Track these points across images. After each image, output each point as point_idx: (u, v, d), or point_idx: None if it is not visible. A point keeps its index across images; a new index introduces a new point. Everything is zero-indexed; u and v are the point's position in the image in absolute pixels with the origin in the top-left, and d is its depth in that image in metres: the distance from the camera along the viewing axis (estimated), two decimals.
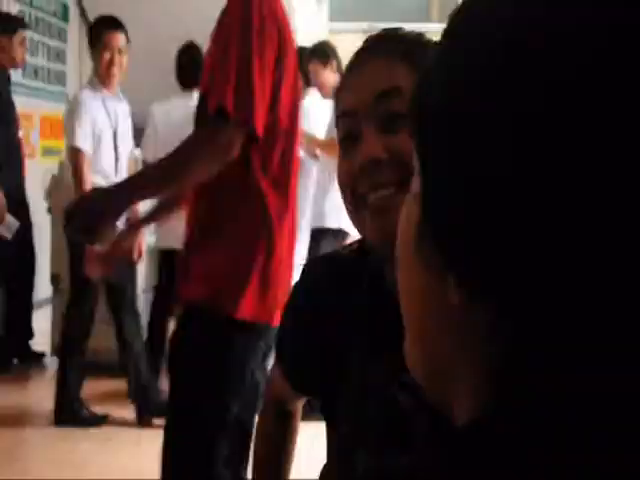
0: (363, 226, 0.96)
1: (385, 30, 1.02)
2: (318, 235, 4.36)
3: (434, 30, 6.10)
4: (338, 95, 1.00)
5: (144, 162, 4.30)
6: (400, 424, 0.91)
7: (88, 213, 1.80)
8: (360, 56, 1.00)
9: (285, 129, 1.94)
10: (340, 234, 4.35)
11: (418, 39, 0.99)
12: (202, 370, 1.90)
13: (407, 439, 0.90)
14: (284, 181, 1.96)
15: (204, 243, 1.92)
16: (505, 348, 0.43)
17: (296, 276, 4.02)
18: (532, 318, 0.42)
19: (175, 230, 3.95)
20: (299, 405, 1.29)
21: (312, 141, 4.49)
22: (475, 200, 0.42)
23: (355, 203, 0.96)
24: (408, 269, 0.48)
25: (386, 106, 0.93)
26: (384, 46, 0.98)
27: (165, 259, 4.28)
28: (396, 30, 1.01)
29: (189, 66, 4.18)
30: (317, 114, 4.62)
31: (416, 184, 0.47)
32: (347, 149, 0.97)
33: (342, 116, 0.98)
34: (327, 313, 1.04)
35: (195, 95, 3.98)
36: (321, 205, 4.36)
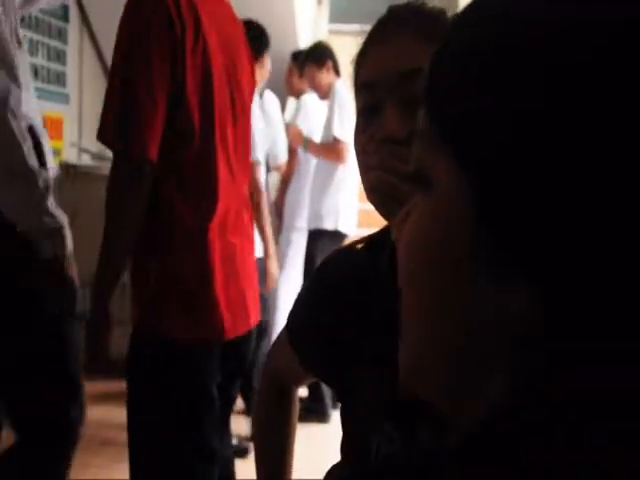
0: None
1: (409, 3, 1.00)
2: (315, 236, 4.37)
3: None
4: (359, 64, 0.99)
5: None
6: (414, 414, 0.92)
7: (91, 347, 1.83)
8: (385, 27, 0.99)
9: (202, 128, 1.85)
10: (337, 236, 4.35)
11: (443, 18, 0.98)
12: (152, 394, 1.87)
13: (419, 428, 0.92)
14: (204, 188, 1.86)
15: (132, 265, 1.90)
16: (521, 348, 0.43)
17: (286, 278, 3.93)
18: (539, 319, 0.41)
19: None
20: (298, 389, 1.28)
21: (309, 145, 4.50)
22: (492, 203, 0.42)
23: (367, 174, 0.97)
24: (449, 287, 0.45)
25: (409, 86, 0.93)
26: (411, 22, 0.96)
27: None
28: (421, 4, 1.00)
29: None
30: (315, 116, 4.61)
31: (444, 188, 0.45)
32: (366, 121, 0.97)
33: (363, 87, 0.98)
34: (345, 310, 1.04)
35: None
36: (318, 206, 4.36)
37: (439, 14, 0.98)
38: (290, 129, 4.57)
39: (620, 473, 0.40)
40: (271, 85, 4.60)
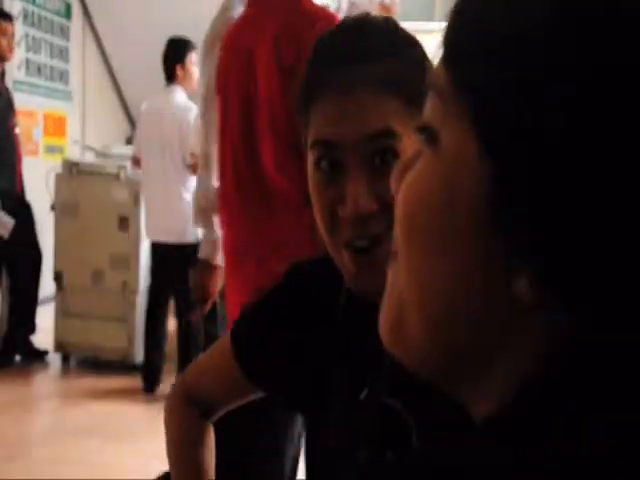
0: (342, 263, 0.88)
1: (363, 24, 0.89)
2: None
3: (438, 29, 6.08)
4: (310, 99, 0.87)
5: (133, 157, 4.44)
6: (394, 425, 0.87)
7: None
8: (341, 69, 0.85)
9: None
10: None
11: (403, 50, 0.86)
12: None
13: (402, 438, 0.86)
14: None
15: None
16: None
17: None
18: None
19: (163, 222, 4.04)
20: (220, 413, 1.12)
21: None
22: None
23: (334, 237, 0.88)
24: (449, 253, 0.43)
25: (377, 150, 0.84)
26: (369, 66, 0.84)
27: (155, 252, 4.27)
28: (378, 29, 0.88)
29: (165, 61, 4.22)
30: None
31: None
32: (330, 177, 0.86)
33: (322, 144, 0.86)
34: (308, 325, 0.97)
35: (175, 88, 4.14)
36: None
37: (398, 44, 0.86)
38: None
39: (618, 466, 0.39)
40: None
